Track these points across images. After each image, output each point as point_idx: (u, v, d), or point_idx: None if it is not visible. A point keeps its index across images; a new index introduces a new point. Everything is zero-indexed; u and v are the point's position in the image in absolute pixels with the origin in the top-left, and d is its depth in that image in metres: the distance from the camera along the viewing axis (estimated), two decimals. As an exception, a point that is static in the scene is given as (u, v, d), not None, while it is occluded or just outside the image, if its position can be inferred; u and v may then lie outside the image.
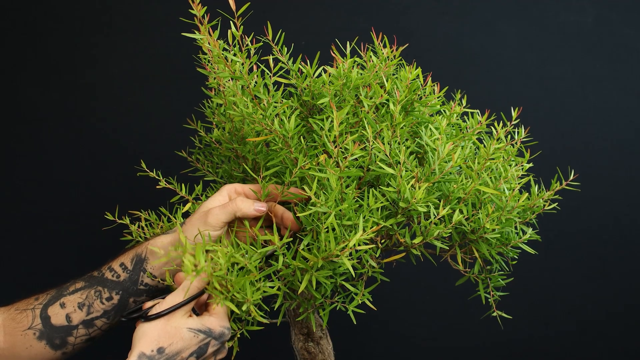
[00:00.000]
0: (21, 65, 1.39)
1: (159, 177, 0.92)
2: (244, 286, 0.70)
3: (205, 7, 0.68)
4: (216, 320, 0.71)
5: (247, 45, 0.75)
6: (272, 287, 0.73)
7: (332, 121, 0.72)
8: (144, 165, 0.93)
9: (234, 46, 0.74)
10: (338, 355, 0.90)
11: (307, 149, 0.78)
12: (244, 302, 0.70)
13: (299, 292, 0.72)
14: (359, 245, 0.67)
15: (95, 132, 1.39)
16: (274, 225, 0.77)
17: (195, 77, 1.05)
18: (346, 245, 0.67)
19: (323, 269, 0.72)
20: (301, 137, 0.79)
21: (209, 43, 0.71)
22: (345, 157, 0.70)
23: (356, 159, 0.76)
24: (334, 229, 0.71)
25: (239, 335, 0.78)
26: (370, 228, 0.70)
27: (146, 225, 0.91)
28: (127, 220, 0.92)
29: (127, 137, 1.39)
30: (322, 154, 0.75)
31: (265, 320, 0.74)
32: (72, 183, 1.39)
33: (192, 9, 0.68)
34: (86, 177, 1.39)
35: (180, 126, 1.00)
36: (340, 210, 0.71)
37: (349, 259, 0.69)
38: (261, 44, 0.78)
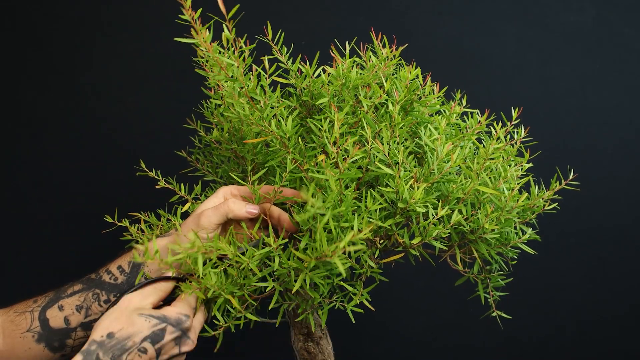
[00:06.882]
0: (21, 65, 1.39)
1: (159, 177, 0.92)
2: (210, 276, 0.70)
3: (200, 10, 0.67)
4: (174, 308, 0.70)
5: (241, 47, 0.74)
6: (267, 287, 0.73)
7: (330, 121, 0.71)
8: (143, 165, 0.93)
9: (229, 49, 0.73)
10: (338, 355, 0.90)
11: (306, 150, 0.77)
12: (218, 295, 0.70)
13: (293, 291, 0.71)
14: (350, 245, 0.65)
15: (94, 132, 1.39)
16: (270, 226, 0.77)
17: (195, 77, 1.05)
18: (337, 246, 0.66)
19: (318, 269, 0.71)
20: (299, 137, 0.79)
21: (203, 48, 0.70)
22: (345, 159, 0.70)
23: (355, 161, 0.76)
24: (329, 231, 0.70)
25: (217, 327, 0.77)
26: (366, 227, 0.69)
27: (146, 227, 0.91)
28: (126, 223, 0.91)
29: (126, 137, 1.39)
30: (321, 154, 0.74)
31: (255, 318, 0.74)
32: (71, 183, 1.39)
33: (183, 14, 0.67)
34: (86, 177, 1.39)
35: (180, 126, 1.00)
36: (338, 212, 0.70)
37: (343, 260, 0.68)
38: (254, 45, 0.77)
